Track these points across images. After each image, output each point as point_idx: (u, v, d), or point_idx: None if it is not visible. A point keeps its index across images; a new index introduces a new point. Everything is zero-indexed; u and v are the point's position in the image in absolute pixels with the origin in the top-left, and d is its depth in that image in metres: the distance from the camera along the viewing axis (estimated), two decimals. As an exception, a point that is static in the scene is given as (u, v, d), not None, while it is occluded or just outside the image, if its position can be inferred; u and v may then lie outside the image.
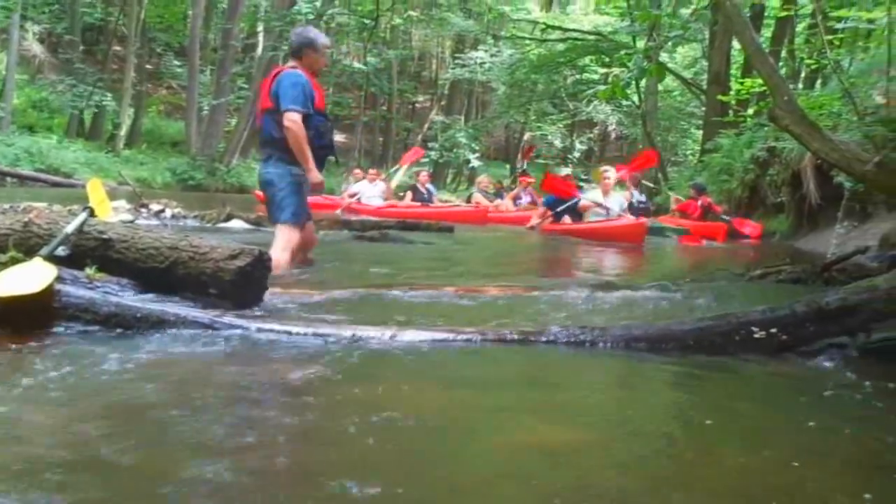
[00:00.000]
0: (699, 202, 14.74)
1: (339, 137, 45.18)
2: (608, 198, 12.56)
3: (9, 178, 21.99)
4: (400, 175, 18.96)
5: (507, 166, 43.39)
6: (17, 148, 25.06)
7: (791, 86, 11.69)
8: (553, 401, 2.98)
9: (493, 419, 2.71)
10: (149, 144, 34.08)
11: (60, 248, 4.01)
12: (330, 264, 6.63)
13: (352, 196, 17.09)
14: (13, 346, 3.20)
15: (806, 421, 2.82)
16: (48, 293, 3.50)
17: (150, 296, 4.07)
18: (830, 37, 10.35)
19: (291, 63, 6.07)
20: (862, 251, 6.86)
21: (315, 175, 5.87)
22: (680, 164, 33.03)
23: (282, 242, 5.82)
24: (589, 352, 3.62)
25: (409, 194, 17.62)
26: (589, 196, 12.98)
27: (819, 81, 18.25)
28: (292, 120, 5.70)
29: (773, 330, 3.68)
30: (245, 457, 2.14)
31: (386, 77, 42.97)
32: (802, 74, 19.94)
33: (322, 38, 6.20)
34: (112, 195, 5.94)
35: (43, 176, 22.83)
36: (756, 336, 3.67)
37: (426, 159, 39.01)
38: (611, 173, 13.07)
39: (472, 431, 2.55)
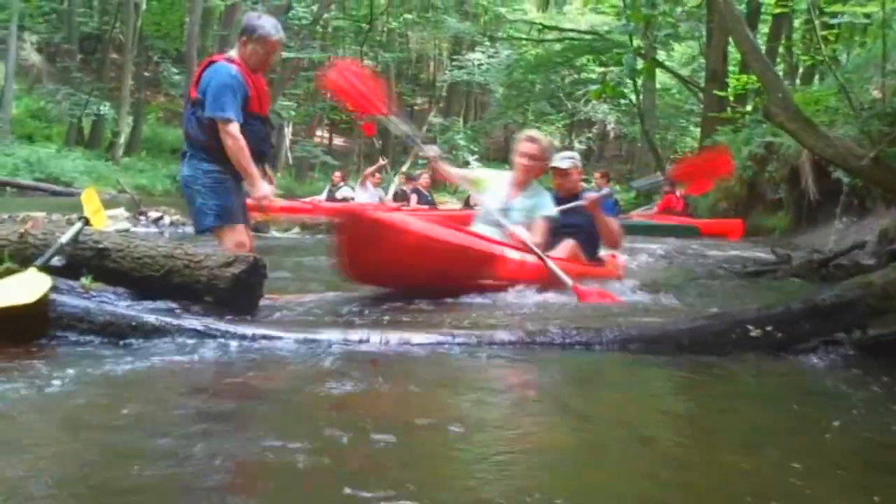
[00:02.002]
0: (677, 193, 14.69)
1: (337, 141, 45.31)
2: None
3: (8, 188, 21.98)
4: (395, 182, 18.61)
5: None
6: (16, 157, 25.16)
7: (788, 82, 11.69)
8: (549, 403, 2.98)
9: (489, 422, 2.71)
10: (148, 152, 34.06)
11: (56, 258, 4.02)
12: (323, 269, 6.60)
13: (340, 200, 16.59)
14: (8, 356, 3.18)
15: (804, 420, 2.83)
16: (43, 303, 3.50)
17: (146, 304, 4.07)
18: (826, 32, 10.35)
19: (232, 52, 5.17)
20: (860, 246, 6.89)
21: (260, 188, 5.07)
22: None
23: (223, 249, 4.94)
24: (584, 353, 3.62)
25: (413, 198, 17.03)
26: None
27: (816, 77, 18.24)
28: (229, 133, 4.87)
29: (769, 328, 3.67)
30: (255, 464, 2.15)
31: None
32: (800, 70, 19.94)
33: (268, 30, 5.05)
34: (111, 203, 5.92)
35: (42, 185, 22.75)
36: (752, 334, 3.67)
37: (423, 160, 38.97)
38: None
39: (469, 434, 2.54)
